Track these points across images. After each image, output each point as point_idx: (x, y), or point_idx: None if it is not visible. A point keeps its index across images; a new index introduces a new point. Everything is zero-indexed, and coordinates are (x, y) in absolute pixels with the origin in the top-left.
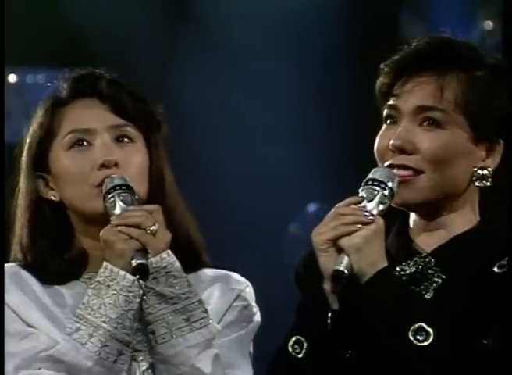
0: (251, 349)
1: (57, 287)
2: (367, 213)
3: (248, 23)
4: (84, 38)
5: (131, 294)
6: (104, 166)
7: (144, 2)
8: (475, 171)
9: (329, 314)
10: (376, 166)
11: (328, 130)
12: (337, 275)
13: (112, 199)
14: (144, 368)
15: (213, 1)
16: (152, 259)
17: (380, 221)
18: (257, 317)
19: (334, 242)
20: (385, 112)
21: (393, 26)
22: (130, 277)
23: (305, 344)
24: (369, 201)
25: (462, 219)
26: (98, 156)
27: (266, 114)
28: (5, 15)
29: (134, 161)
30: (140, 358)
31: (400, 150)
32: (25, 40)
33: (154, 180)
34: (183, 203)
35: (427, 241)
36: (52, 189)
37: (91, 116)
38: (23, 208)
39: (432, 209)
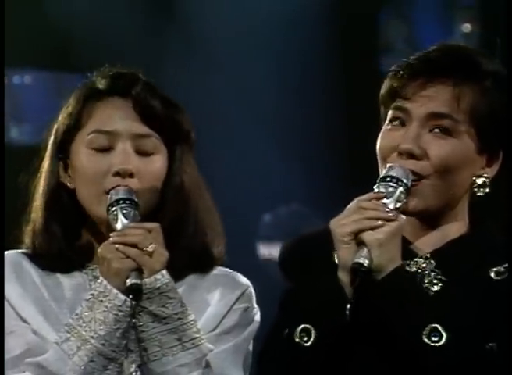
0: (251, 348)
1: (58, 276)
2: (388, 210)
3: (230, 25)
4: (71, 39)
5: (121, 313)
6: (118, 174)
7: (129, 3)
8: (474, 180)
9: (348, 306)
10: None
11: (308, 131)
12: (357, 267)
13: (114, 212)
14: (132, 370)
15: (198, 2)
16: (146, 280)
17: (402, 219)
18: (257, 318)
19: (355, 235)
20: (391, 112)
21: (374, 27)
22: (122, 297)
23: (313, 333)
24: (387, 198)
25: (456, 225)
26: (116, 163)
27: (247, 114)
28: None
29: (150, 172)
30: (131, 359)
31: (409, 154)
32: (11, 40)
33: (172, 192)
34: (207, 210)
35: (424, 244)
36: (69, 176)
37: (118, 118)
38: (42, 191)
39: (431, 215)
